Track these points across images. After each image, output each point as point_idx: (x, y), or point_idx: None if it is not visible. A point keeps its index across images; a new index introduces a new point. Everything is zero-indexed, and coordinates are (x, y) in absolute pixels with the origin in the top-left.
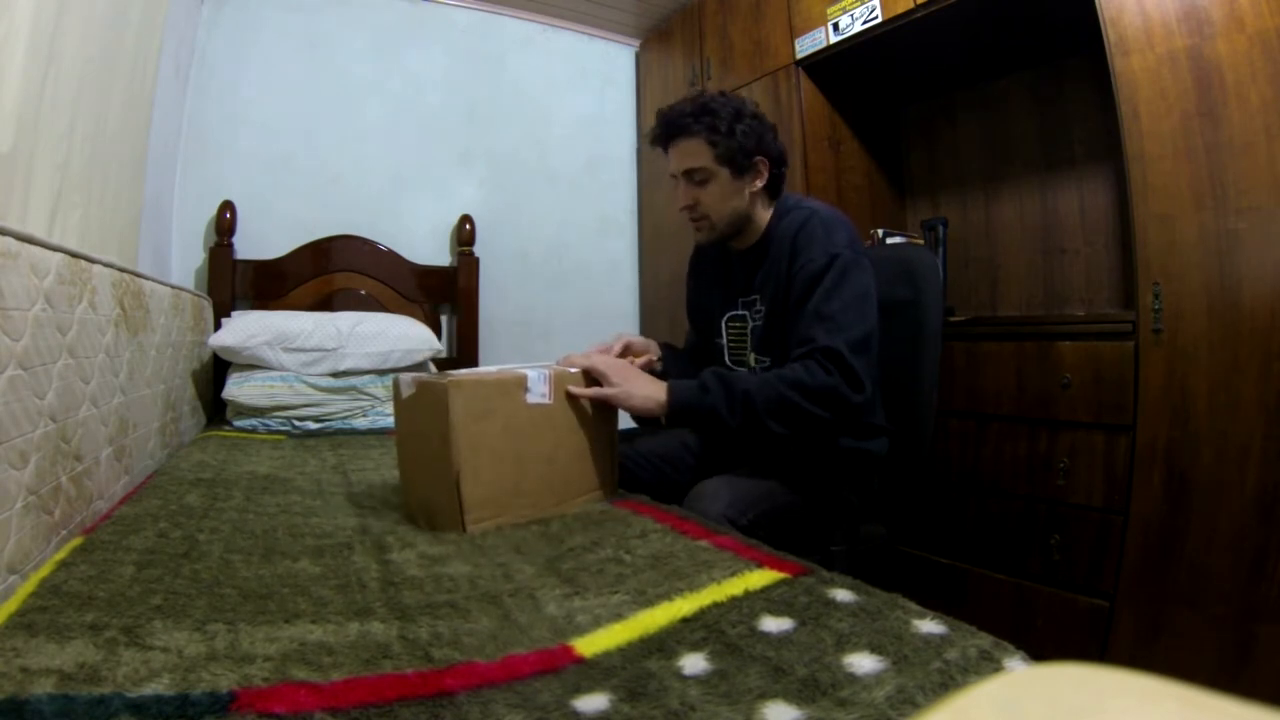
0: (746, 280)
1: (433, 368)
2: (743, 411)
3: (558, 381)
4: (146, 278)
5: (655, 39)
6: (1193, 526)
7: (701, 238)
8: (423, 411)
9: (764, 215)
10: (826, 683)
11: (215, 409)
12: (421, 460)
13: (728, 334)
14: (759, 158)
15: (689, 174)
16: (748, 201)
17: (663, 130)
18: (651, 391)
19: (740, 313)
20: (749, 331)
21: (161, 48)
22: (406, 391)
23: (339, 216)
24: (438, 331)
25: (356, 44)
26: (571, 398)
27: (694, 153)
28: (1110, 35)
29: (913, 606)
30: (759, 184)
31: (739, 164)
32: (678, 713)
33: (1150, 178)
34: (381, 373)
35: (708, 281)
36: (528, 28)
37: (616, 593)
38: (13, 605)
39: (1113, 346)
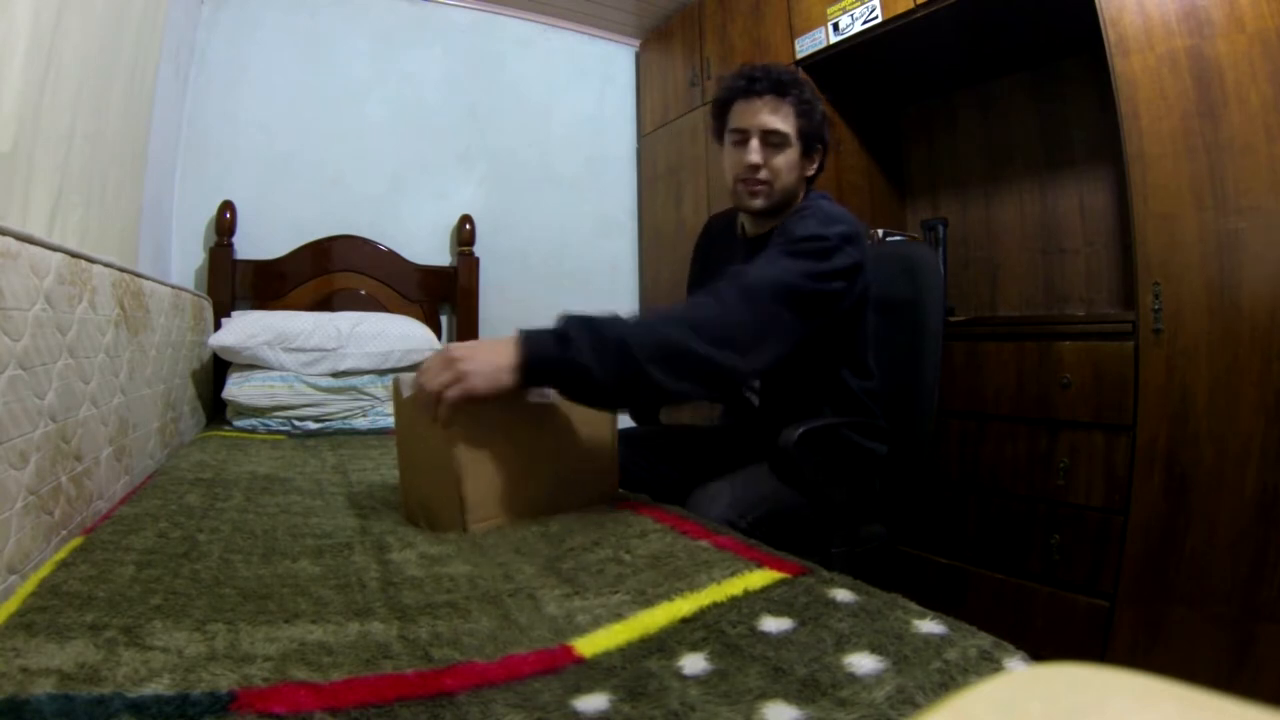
0: None
1: None
2: (617, 361)
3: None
4: (146, 278)
5: (655, 39)
6: (1193, 526)
7: (757, 204)
8: (423, 412)
9: (796, 202)
10: (826, 683)
11: (215, 409)
12: (422, 461)
13: None
14: (819, 146)
15: (767, 135)
16: (799, 184)
17: (752, 82)
18: (496, 359)
19: None
20: None
21: (161, 48)
22: (407, 392)
23: (339, 216)
24: (438, 331)
25: (356, 44)
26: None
27: (783, 115)
28: (1110, 35)
29: (913, 606)
30: (811, 169)
31: (810, 144)
32: (678, 713)
33: (1150, 178)
34: (381, 373)
35: (715, 267)
36: (527, 28)
37: (616, 593)
38: (13, 605)
39: (1113, 346)
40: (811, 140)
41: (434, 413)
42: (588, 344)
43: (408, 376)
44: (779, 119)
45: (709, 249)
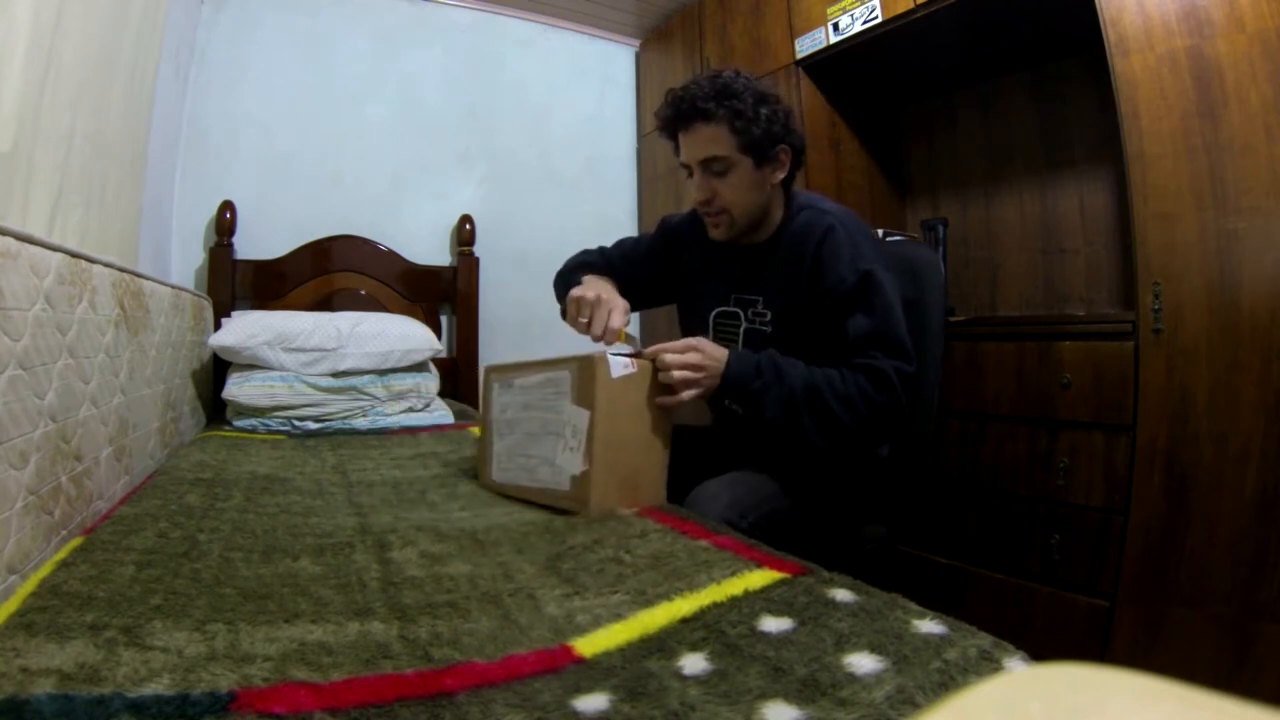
0: (747, 278)
1: (433, 368)
2: (786, 403)
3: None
4: (146, 278)
5: (655, 39)
6: (1193, 526)
7: (720, 235)
8: (633, 390)
9: (777, 211)
10: (826, 683)
11: (215, 409)
12: (625, 438)
13: (715, 331)
14: (782, 147)
15: (707, 164)
16: (768, 195)
17: (678, 114)
18: (721, 368)
19: (732, 310)
20: (740, 333)
21: (161, 48)
22: (621, 372)
23: (339, 216)
24: (438, 331)
25: (356, 44)
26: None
27: (714, 140)
28: (1110, 35)
29: (913, 606)
30: (780, 175)
31: (762, 153)
32: (677, 713)
33: (1150, 178)
34: (381, 373)
35: (697, 268)
36: (527, 28)
37: (616, 592)
38: (13, 605)
39: (1113, 346)
40: (763, 149)
41: (671, 396)
42: (772, 380)
43: (620, 360)
44: (713, 145)
45: (691, 250)
